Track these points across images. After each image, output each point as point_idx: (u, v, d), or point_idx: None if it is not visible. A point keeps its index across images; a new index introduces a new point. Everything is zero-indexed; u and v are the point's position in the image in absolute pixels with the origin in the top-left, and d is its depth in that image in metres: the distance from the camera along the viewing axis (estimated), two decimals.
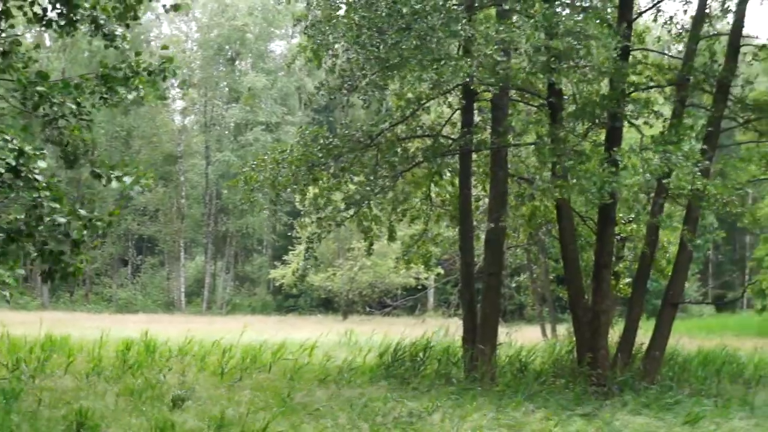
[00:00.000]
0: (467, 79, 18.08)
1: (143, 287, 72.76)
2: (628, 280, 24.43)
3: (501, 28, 16.50)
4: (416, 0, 17.17)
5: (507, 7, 18.13)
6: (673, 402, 18.38)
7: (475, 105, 23.84)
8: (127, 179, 12.90)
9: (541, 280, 41.41)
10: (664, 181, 18.47)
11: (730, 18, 21.82)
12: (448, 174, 25.11)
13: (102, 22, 13.77)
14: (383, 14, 17.75)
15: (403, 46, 17.15)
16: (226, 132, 77.61)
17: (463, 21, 17.46)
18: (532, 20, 16.33)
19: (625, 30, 19.51)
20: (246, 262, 79.19)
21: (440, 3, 17.63)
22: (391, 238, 25.36)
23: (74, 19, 13.74)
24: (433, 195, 25.23)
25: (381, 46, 17.86)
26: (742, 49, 22.17)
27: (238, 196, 58.72)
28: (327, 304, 66.85)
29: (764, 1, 20.13)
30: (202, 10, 76.59)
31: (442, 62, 16.98)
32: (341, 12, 19.53)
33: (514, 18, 18.24)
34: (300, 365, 21.76)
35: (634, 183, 18.09)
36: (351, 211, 22.40)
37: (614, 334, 22.93)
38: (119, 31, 14.05)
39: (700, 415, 16.70)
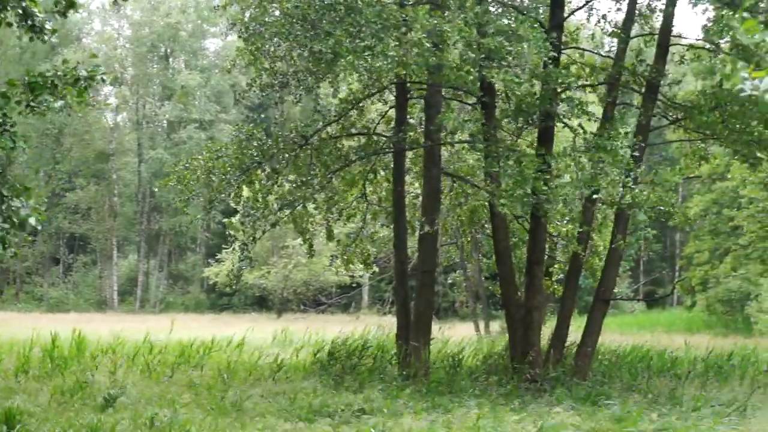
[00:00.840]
0: (399, 75, 18.11)
1: (75, 286, 71.91)
2: (560, 277, 24.63)
3: (433, 20, 16.53)
4: None
5: (439, 2, 18.20)
6: (604, 398, 18.55)
7: (410, 103, 23.89)
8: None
9: (474, 278, 41.65)
10: (594, 196, 18.74)
11: (660, 18, 22.08)
12: (383, 172, 25.17)
13: (32, 11, 13.42)
14: (316, 7, 17.72)
15: (336, 39, 17.11)
16: (159, 130, 77.00)
17: (396, 14, 17.47)
18: (463, 15, 16.37)
19: (556, 32, 19.68)
20: (179, 260, 78.65)
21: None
22: (330, 237, 25.35)
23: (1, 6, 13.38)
24: (368, 193, 25.25)
25: (314, 40, 17.83)
26: (672, 49, 22.46)
27: (171, 195, 58.19)
28: (261, 303, 66.60)
29: (693, 1, 20.26)
30: (133, 7, 75.85)
31: (375, 52, 16.94)
32: (275, 5, 19.45)
33: (446, 14, 18.30)
34: (233, 363, 21.66)
35: (567, 193, 18.26)
36: (285, 212, 22.32)
37: (547, 330, 23.12)
38: (48, 24, 13.77)
39: (630, 411, 16.88)
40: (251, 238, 21.99)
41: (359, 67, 17.40)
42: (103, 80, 13.82)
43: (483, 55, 17.08)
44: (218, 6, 21.46)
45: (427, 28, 16.54)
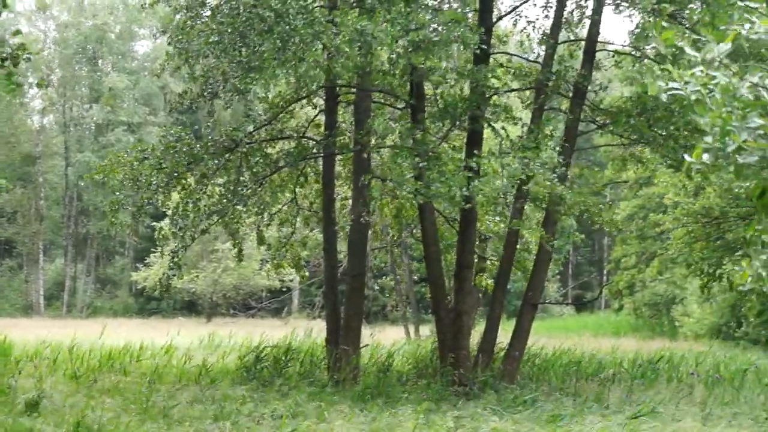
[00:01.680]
0: (327, 81, 18.08)
1: (0, 291, 70.75)
2: (490, 281, 24.74)
3: (363, 24, 16.51)
4: (277, 1, 17.07)
5: (368, 5, 18.18)
6: (532, 401, 18.67)
7: (339, 107, 23.85)
8: None
9: (404, 282, 41.71)
10: (524, 187, 18.81)
11: (587, 24, 22.29)
12: (313, 176, 25.09)
13: None
14: (244, 18, 17.65)
15: (265, 48, 17.04)
16: (87, 132, 76.10)
17: (325, 21, 17.42)
18: (390, 17, 16.35)
19: (483, 34, 19.75)
20: (107, 264, 77.78)
21: (303, 4, 17.58)
22: (261, 242, 25.22)
23: None
24: (298, 198, 25.15)
25: (243, 50, 17.77)
26: (598, 54, 22.68)
27: (99, 198, 57.33)
28: (191, 307, 66.10)
29: (619, 7, 20.51)
30: (59, 9, 74.93)
31: (302, 60, 16.89)
32: (206, 15, 19.36)
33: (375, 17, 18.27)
34: (159, 368, 21.44)
35: (494, 189, 18.31)
36: (215, 218, 22.15)
37: (476, 334, 23.20)
38: None
39: (558, 414, 17.01)
40: (181, 247, 21.78)
41: (287, 75, 17.34)
42: (29, 59, 13.57)
43: (410, 49, 16.97)
44: (146, 5, 21.24)
45: (355, 32, 16.50)
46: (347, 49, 16.44)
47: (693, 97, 6.09)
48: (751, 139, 5.97)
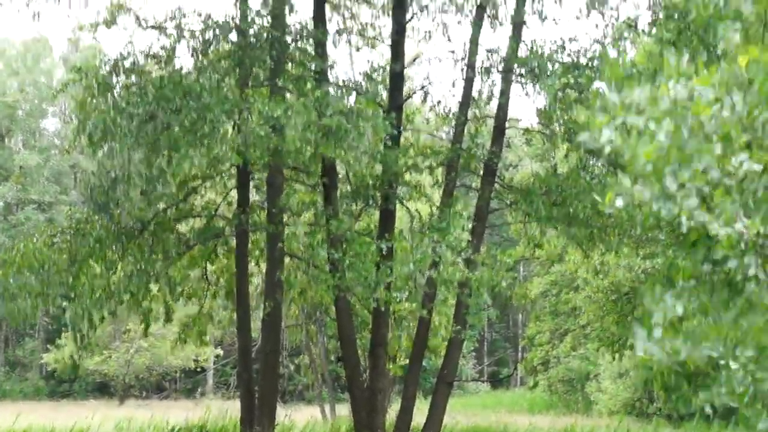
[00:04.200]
0: (237, 160, 18.10)
1: None
2: (404, 362, 24.71)
3: (272, 104, 16.59)
4: (187, 82, 17.12)
5: (280, 85, 18.31)
6: None
7: (252, 183, 23.81)
8: None
9: (319, 360, 41.42)
10: (431, 274, 18.97)
11: (495, 102, 22.63)
12: (225, 252, 24.91)
13: None
14: (150, 100, 17.64)
15: (175, 129, 17.04)
16: None
17: (236, 99, 17.49)
18: (302, 99, 16.50)
19: (395, 113, 20.00)
20: (17, 345, 76.03)
21: (213, 82, 17.64)
22: (168, 318, 24.89)
23: None
24: (210, 274, 24.94)
25: (152, 132, 17.74)
26: (509, 132, 23.03)
27: (9, 279, 56.23)
28: (103, 389, 64.74)
29: (525, 88, 20.92)
30: None
31: (212, 140, 16.91)
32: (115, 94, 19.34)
33: (288, 96, 18.42)
34: None
35: (403, 275, 18.43)
36: (125, 298, 21.78)
37: (393, 412, 23.08)
38: None
39: None
40: (88, 329, 21.38)
41: (198, 157, 17.32)
42: None
43: (321, 134, 17.11)
44: (57, 91, 21.21)
45: (266, 112, 16.58)
46: (261, 134, 16.51)
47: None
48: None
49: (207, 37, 20.04)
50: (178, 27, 20.83)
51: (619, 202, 6.19)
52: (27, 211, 70.10)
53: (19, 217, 70.20)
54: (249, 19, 19.62)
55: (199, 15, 20.72)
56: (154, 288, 23.15)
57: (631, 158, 6.03)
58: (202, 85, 17.31)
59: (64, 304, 24.59)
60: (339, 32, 22.12)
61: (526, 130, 23.27)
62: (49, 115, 78.70)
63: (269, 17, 20.11)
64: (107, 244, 20.87)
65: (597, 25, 21.58)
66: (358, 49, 26.21)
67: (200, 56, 20.27)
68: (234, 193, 23.92)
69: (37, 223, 64.59)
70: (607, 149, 6.10)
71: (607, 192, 6.30)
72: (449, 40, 22.16)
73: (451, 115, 22.26)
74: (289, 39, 19.93)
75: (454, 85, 22.57)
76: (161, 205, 22.13)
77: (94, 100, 19.48)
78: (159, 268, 21.77)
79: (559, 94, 19.00)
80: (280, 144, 17.29)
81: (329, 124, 16.83)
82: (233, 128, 18.25)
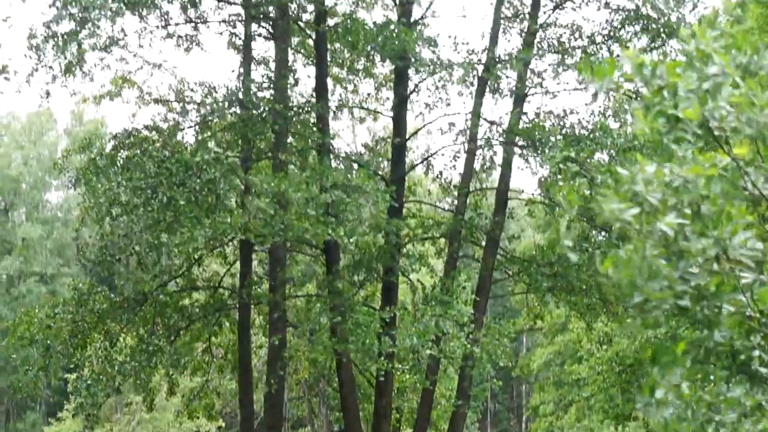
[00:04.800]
0: (242, 236, 18.19)
1: None
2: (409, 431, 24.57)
3: (275, 182, 16.71)
4: (191, 154, 17.27)
5: (283, 159, 18.45)
6: None
7: (254, 256, 23.81)
8: None
9: None
10: (432, 352, 18.92)
11: (497, 172, 22.76)
12: (228, 325, 24.85)
13: None
14: (152, 174, 17.82)
15: (180, 203, 17.16)
16: None
17: (240, 173, 17.64)
18: (305, 173, 16.63)
19: (397, 185, 20.14)
20: (18, 419, 75.53)
21: (214, 156, 17.79)
22: (172, 392, 24.78)
23: None
24: (213, 346, 24.86)
25: (155, 207, 17.88)
26: (511, 203, 23.10)
27: (9, 351, 56.04)
28: None
29: (527, 160, 21.10)
30: None
31: (217, 216, 17.02)
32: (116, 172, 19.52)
33: (291, 167, 18.56)
34: None
35: (405, 347, 18.44)
36: (128, 377, 21.72)
37: None
38: None
39: None
40: (91, 404, 21.28)
41: (201, 235, 17.37)
42: None
43: (323, 211, 17.24)
44: (60, 166, 21.48)
45: (270, 191, 16.71)
46: (270, 212, 16.62)
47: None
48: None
49: (209, 111, 20.24)
50: (182, 100, 21.06)
51: (615, 273, 6.22)
52: (29, 284, 70.05)
53: (21, 289, 70.12)
54: (251, 93, 19.81)
55: (202, 87, 20.97)
56: (158, 363, 23.08)
57: (645, 233, 6.07)
58: (206, 159, 17.44)
59: (66, 376, 24.43)
60: (340, 107, 22.33)
61: (529, 201, 23.30)
62: (53, 188, 79.07)
63: (271, 90, 20.32)
64: (109, 315, 20.85)
65: (595, 95, 21.73)
66: (360, 121, 26.47)
67: (203, 129, 20.47)
68: (237, 265, 23.91)
69: (39, 295, 64.59)
70: (617, 225, 6.14)
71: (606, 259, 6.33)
72: (447, 114, 22.40)
73: (452, 186, 22.37)
74: (291, 112, 20.12)
75: (456, 158, 22.60)
76: (164, 277, 22.15)
77: (99, 175, 19.60)
78: (163, 343, 21.71)
79: (560, 165, 19.11)
80: (284, 222, 17.38)
81: (330, 200, 16.95)
82: (237, 203, 18.37)
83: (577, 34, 22.26)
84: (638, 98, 7.25)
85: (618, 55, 21.47)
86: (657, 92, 6.17)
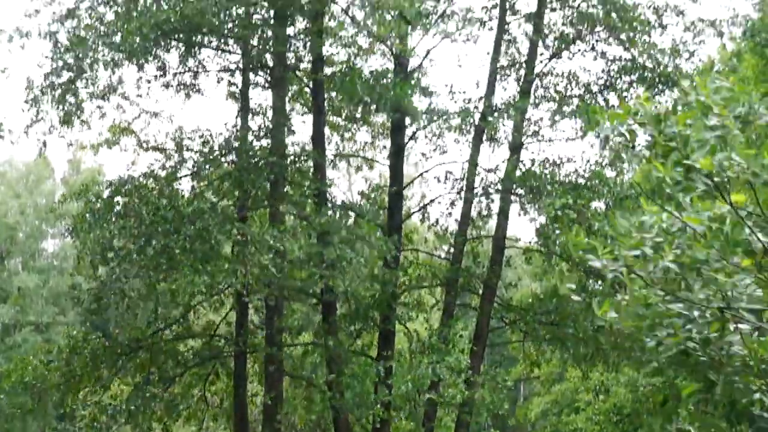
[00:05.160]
0: (240, 287, 18.20)
1: None
2: None
3: (275, 234, 16.73)
4: (187, 203, 17.32)
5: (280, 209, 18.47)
6: None
7: (251, 305, 23.72)
8: None
9: None
10: (431, 396, 18.86)
11: (494, 220, 22.73)
12: (224, 373, 24.69)
13: None
14: (147, 222, 17.87)
15: (175, 249, 17.17)
16: None
17: (236, 223, 17.68)
18: (304, 223, 16.68)
19: (395, 234, 20.17)
20: None
21: (216, 203, 17.84)
22: None
23: None
24: (208, 395, 24.67)
25: (151, 253, 17.90)
26: (508, 251, 23.07)
27: (3, 398, 55.62)
28: None
29: (524, 207, 21.16)
30: None
31: (215, 264, 17.03)
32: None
33: (288, 218, 18.56)
34: None
35: (401, 395, 18.37)
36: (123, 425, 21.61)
37: None
38: None
39: None
40: None
41: (199, 282, 17.35)
42: None
43: (324, 264, 17.30)
44: (56, 213, 21.49)
45: (266, 244, 16.76)
46: (269, 266, 16.66)
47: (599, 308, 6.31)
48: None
49: (205, 160, 20.32)
50: (179, 148, 21.10)
51: (619, 319, 6.24)
52: (24, 333, 69.66)
53: (17, 339, 69.76)
54: (248, 142, 19.87)
55: (200, 135, 21.04)
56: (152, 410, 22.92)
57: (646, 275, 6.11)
58: (201, 208, 17.51)
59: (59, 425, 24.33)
60: (337, 156, 22.42)
61: (526, 249, 23.27)
62: (49, 236, 78.96)
63: (268, 140, 20.40)
64: (103, 361, 20.77)
65: (592, 145, 21.87)
66: (357, 170, 26.50)
67: (200, 177, 20.50)
68: (233, 313, 23.81)
69: (35, 344, 64.25)
70: (610, 275, 6.20)
71: (603, 305, 6.35)
72: (444, 163, 22.47)
73: (449, 234, 22.37)
74: (288, 161, 20.18)
75: (453, 205, 22.60)
76: (160, 324, 22.06)
77: (92, 223, 19.63)
78: (158, 390, 21.58)
79: (558, 213, 19.14)
80: (282, 275, 17.41)
81: (331, 255, 17.00)
82: (233, 253, 18.39)
83: (573, 83, 22.38)
84: (634, 147, 7.31)
85: (614, 105, 21.61)
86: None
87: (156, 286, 19.04)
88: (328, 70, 21.05)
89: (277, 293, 20.44)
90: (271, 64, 20.58)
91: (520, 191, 20.98)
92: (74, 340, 21.43)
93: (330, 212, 19.10)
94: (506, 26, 22.51)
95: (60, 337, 61.82)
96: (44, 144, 20.58)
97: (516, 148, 21.63)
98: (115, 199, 20.05)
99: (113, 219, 19.42)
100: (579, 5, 22.07)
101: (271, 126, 20.55)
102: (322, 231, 17.41)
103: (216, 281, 17.44)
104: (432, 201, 23.45)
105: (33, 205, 74.61)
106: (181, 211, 17.54)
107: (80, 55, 19.18)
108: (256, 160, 19.76)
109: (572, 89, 22.36)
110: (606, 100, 22.09)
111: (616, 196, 19.22)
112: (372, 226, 18.57)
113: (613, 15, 20.70)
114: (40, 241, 78.14)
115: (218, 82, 22.23)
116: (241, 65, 21.70)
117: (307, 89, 22.10)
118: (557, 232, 20.16)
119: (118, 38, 18.59)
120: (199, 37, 19.72)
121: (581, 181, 20.38)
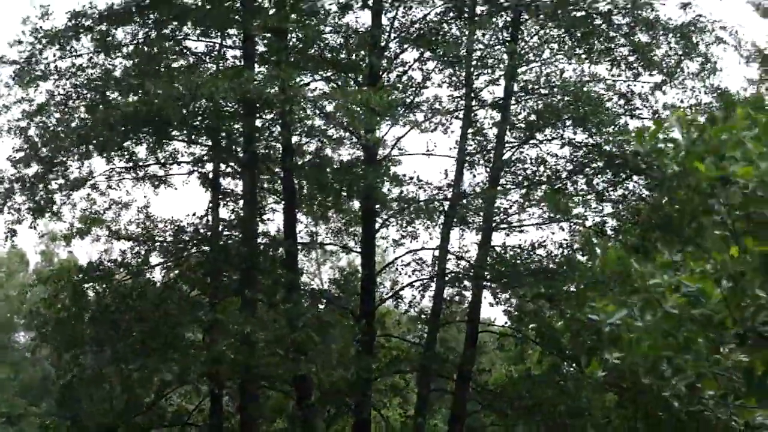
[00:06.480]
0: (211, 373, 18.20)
1: None
2: None
3: (242, 321, 16.79)
4: (159, 293, 17.42)
5: (250, 297, 18.51)
6: None
7: (225, 391, 23.55)
8: None
9: None
10: None
11: (467, 304, 22.78)
12: None
13: None
14: (112, 309, 17.98)
15: (140, 336, 17.25)
16: None
17: (205, 310, 17.74)
18: (272, 312, 16.75)
19: (366, 319, 20.22)
20: None
21: (187, 292, 17.90)
22: None
23: None
24: None
25: (117, 340, 17.96)
26: (481, 335, 23.09)
27: None
28: None
29: (497, 295, 21.33)
30: None
31: (184, 352, 17.08)
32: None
33: (258, 306, 18.61)
34: None
35: None
36: None
37: None
38: None
39: None
40: None
41: (166, 369, 17.38)
42: None
43: (293, 349, 17.33)
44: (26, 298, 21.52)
45: (235, 331, 16.83)
46: (232, 356, 16.73)
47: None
48: None
49: (178, 249, 20.42)
50: (150, 238, 21.16)
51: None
52: None
53: None
54: (219, 231, 19.99)
55: (171, 225, 21.15)
56: None
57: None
58: (170, 296, 17.61)
59: None
60: (308, 246, 22.55)
61: (500, 335, 23.24)
62: (21, 328, 78.16)
63: (240, 229, 20.51)
64: None
65: (563, 228, 22.01)
66: (331, 254, 26.57)
67: (171, 267, 20.58)
68: (206, 402, 23.61)
69: None
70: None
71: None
72: (415, 250, 22.56)
73: (422, 317, 22.41)
74: (259, 249, 20.28)
75: (425, 289, 22.63)
76: (132, 412, 21.84)
77: (63, 304, 19.69)
78: None
79: (531, 305, 19.39)
80: (251, 361, 17.44)
81: (299, 338, 17.04)
82: (203, 339, 18.41)
83: (542, 169, 22.57)
84: (602, 235, 7.45)
85: (584, 189, 21.88)
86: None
87: (124, 374, 19.01)
88: (299, 160, 21.24)
89: (248, 378, 20.37)
90: (240, 154, 20.76)
91: (492, 280, 21.14)
92: (48, 430, 21.23)
93: (302, 300, 19.15)
94: (473, 115, 22.75)
95: (31, 429, 61.08)
96: (14, 232, 20.61)
97: (486, 235, 21.75)
98: (83, 286, 20.11)
99: (72, 313, 19.55)
100: (545, 96, 22.34)
101: (242, 214, 20.66)
102: (290, 317, 17.46)
103: (185, 367, 17.40)
104: (404, 287, 23.48)
105: (4, 297, 74.01)
106: (149, 299, 17.59)
107: (51, 147, 19.33)
108: (227, 250, 19.84)
109: (540, 175, 22.54)
110: (574, 186, 22.27)
111: (587, 282, 19.32)
112: (340, 312, 18.64)
113: (579, 105, 20.90)
114: (13, 333, 77.32)
115: (189, 174, 22.33)
116: (211, 155, 21.84)
117: (278, 178, 22.23)
118: (528, 318, 20.33)
119: (86, 131, 18.77)
120: (168, 129, 19.88)
121: (553, 266, 20.53)
